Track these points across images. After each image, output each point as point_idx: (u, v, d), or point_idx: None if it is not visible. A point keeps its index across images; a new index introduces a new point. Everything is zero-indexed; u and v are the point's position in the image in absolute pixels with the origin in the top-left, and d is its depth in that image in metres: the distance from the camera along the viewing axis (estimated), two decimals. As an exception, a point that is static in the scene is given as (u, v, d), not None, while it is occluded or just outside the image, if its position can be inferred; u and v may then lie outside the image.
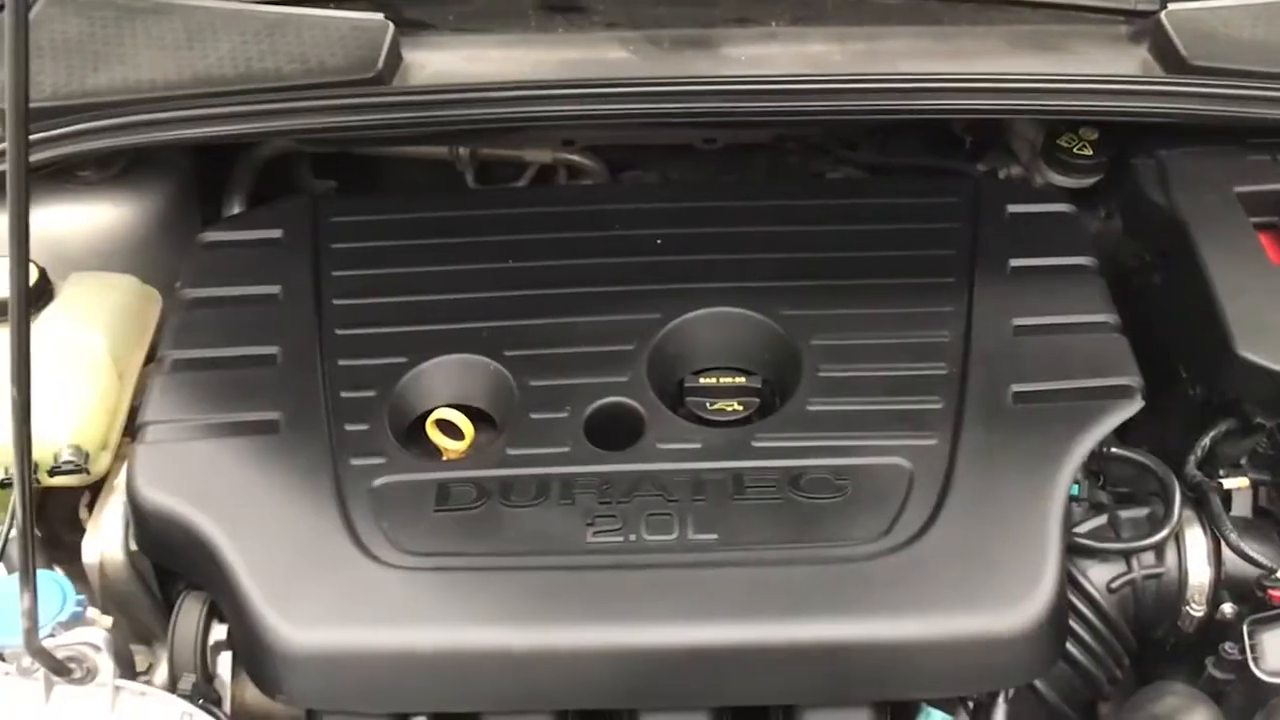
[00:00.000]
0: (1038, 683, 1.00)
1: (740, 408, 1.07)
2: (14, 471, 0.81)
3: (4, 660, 0.96)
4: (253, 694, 1.03)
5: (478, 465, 1.03)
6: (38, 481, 1.06)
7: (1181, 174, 1.19)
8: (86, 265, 1.23)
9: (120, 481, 1.08)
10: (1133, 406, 1.02)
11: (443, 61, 1.23)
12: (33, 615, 0.88)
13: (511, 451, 1.03)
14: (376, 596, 0.94)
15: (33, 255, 1.11)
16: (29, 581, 0.86)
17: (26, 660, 0.94)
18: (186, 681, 0.97)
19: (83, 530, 1.09)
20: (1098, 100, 1.19)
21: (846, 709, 0.94)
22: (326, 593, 0.95)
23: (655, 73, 1.21)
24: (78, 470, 1.06)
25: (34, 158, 1.18)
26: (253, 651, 0.95)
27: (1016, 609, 0.92)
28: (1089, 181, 1.29)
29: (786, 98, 1.20)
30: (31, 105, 1.16)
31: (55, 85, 1.21)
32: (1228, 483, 1.04)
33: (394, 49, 1.21)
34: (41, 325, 1.14)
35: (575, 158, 1.41)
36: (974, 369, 1.05)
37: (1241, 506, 1.06)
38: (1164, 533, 1.00)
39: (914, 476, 0.99)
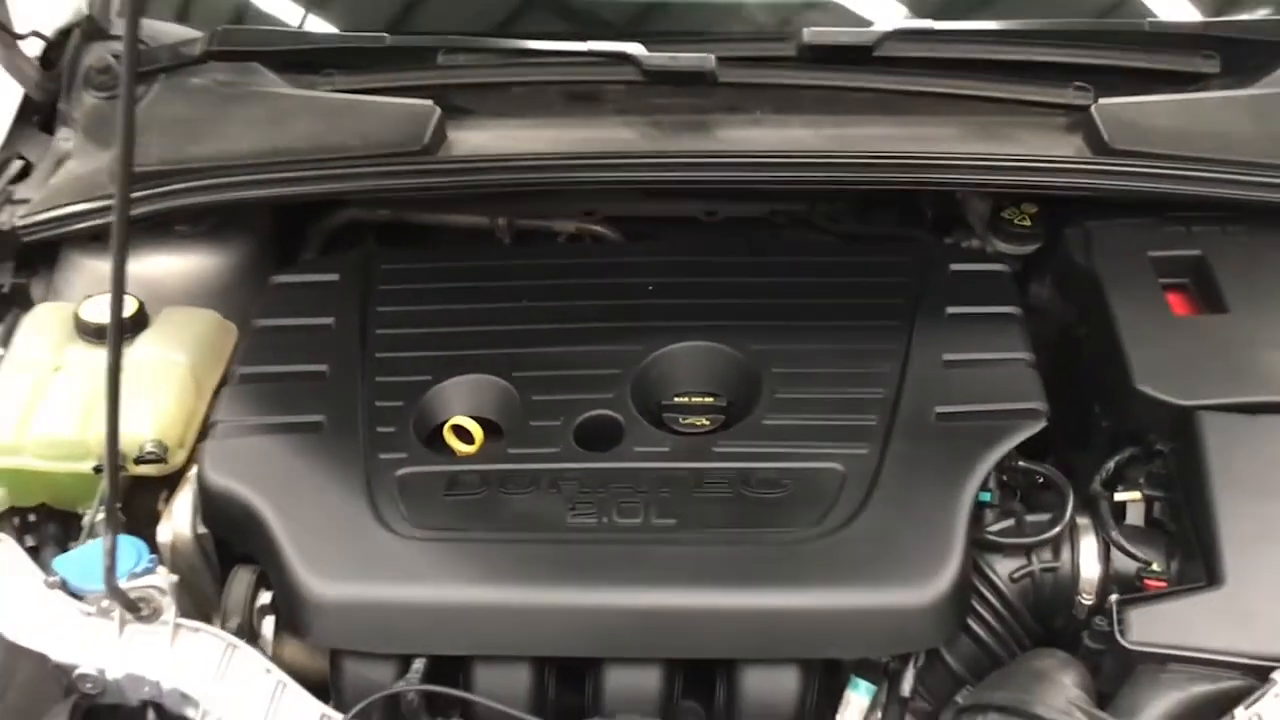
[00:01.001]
0: (947, 657, 1.16)
1: (707, 422, 1.26)
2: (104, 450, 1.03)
3: (86, 603, 1.18)
4: (290, 651, 1.23)
5: (483, 461, 1.23)
6: (124, 468, 1.29)
7: (1103, 241, 1.38)
8: (177, 303, 1.47)
9: (192, 475, 1.30)
10: (1036, 426, 1.20)
11: (480, 139, 1.46)
12: (112, 556, 1.09)
13: (512, 451, 1.23)
14: (391, 561, 1.15)
15: (133, 292, 1.37)
16: (112, 525, 1.08)
17: (105, 602, 1.16)
18: (233, 623, 1.18)
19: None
20: (1034, 177, 1.39)
21: (779, 666, 1.11)
22: (351, 556, 1.15)
23: (657, 149, 1.43)
24: (158, 460, 1.28)
25: (140, 211, 1.43)
26: (289, 602, 1.15)
27: (924, 586, 1.10)
28: (1029, 249, 1.48)
29: (769, 169, 1.41)
30: (139, 169, 1.42)
31: (161, 153, 1.46)
32: (1119, 495, 1.20)
33: (439, 128, 1.44)
34: (137, 346, 1.38)
35: (596, 228, 1.62)
36: (906, 394, 1.24)
37: (1137, 519, 1.22)
38: (1055, 530, 1.17)
39: (846, 478, 1.17)
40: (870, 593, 1.10)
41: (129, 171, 0.94)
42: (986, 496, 1.19)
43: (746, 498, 1.17)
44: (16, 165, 1.62)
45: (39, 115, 1.68)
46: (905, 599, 1.10)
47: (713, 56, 1.43)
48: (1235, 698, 1.03)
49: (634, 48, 1.44)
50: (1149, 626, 1.08)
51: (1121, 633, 1.08)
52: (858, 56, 1.44)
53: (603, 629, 1.11)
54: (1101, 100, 1.41)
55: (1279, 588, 1.09)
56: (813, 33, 1.45)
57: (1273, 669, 1.03)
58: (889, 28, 1.46)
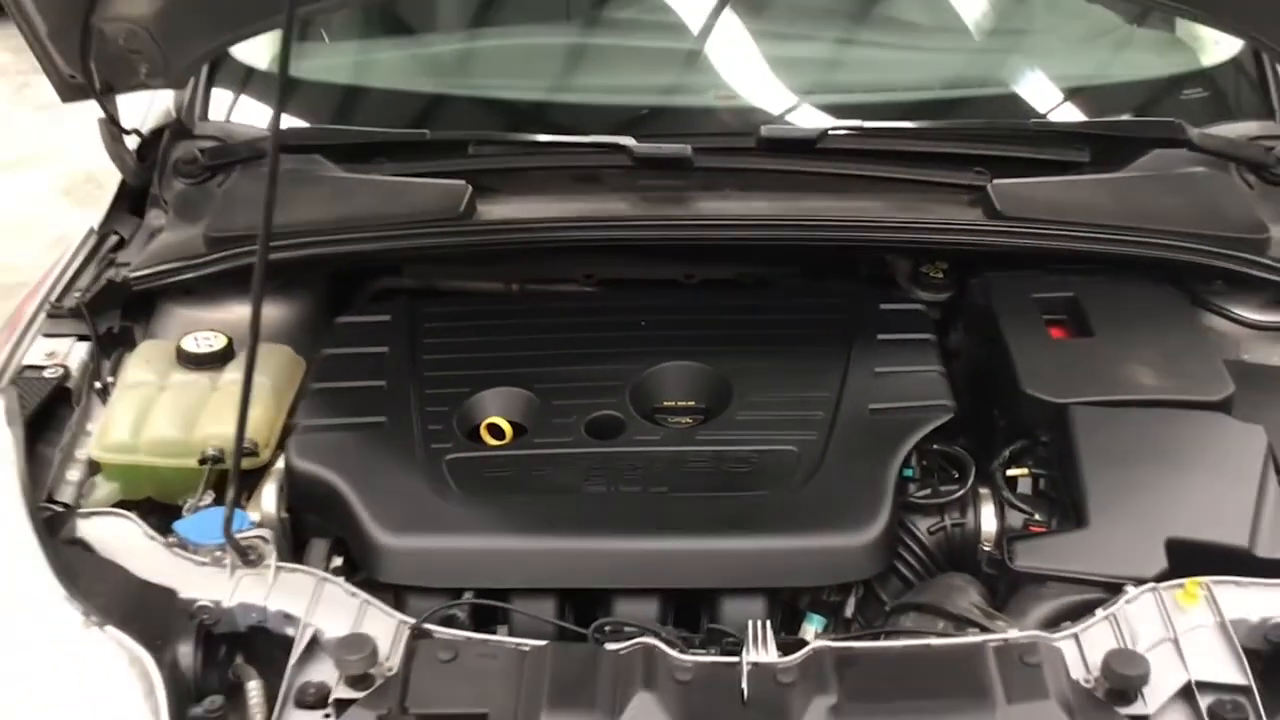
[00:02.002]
0: (879, 591, 1.48)
1: (690, 421, 1.60)
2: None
3: (200, 554, 1.48)
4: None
5: (513, 449, 1.56)
6: (224, 461, 1.60)
7: (998, 288, 1.75)
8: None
9: (276, 468, 1.61)
10: (945, 417, 1.54)
11: (504, 210, 1.81)
12: (233, 508, 1.41)
13: (536, 441, 1.57)
14: (444, 518, 1.46)
15: (224, 332, 1.70)
16: (234, 492, 1.40)
17: (218, 552, 1.46)
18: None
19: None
20: (943, 237, 1.76)
21: (750, 596, 1.43)
22: (411, 516, 1.47)
23: (645, 215, 1.79)
24: (251, 454, 1.60)
25: (231, 266, 1.78)
26: (364, 552, 1.46)
27: (859, 533, 1.42)
28: (943, 297, 1.83)
29: (733, 230, 1.78)
30: (228, 235, 1.77)
31: (246, 222, 1.81)
32: (1011, 471, 1.54)
33: (471, 201, 1.79)
34: (228, 371, 1.71)
35: (593, 290, 1.98)
36: (846, 395, 1.58)
37: (1026, 490, 1.56)
38: (960, 493, 1.50)
39: (800, 456, 1.51)
40: (819, 538, 1.43)
41: (268, 233, 1.30)
42: (909, 472, 1.53)
43: (722, 471, 1.50)
44: (113, 239, 1.97)
45: (130, 200, 2.04)
46: (846, 542, 1.43)
47: (689, 147, 1.80)
48: (1094, 605, 1.36)
49: (627, 140, 1.81)
50: (1031, 555, 1.42)
51: (1010, 559, 1.41)
52: (803, 148, 1.83)
53: (612, 566, 1.43)
54: (995, 180, 1.78)
55: (1126, 530, 1.42)
56: (768, 129, 1.84)
57: (1121, 585, 1.37)
58: (828, 126, 1.85)
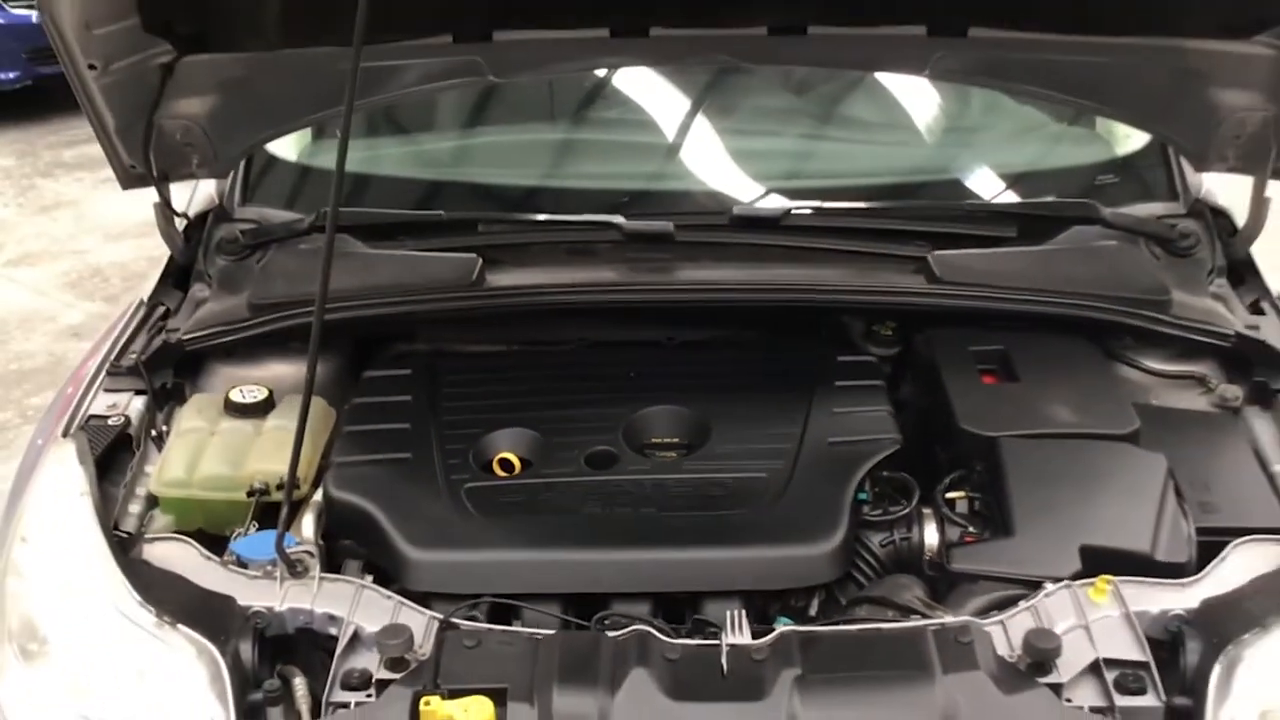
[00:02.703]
0: (839, 595, 1.72)
1: (674, 454, 1.86)
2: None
3: (253, 569, 1.71)
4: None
5: (522, 479, 1.81)
6: (269, 494, 1.84)
7: (939, 342, 2.02)
8: (291, 394, 2.05)
9: (313, 500, 1.84)
10: (893, 448, 1.80)
11: (510, 279, 2.07)
12: (284, 527, 1.65)
13: (541, 471, 1.81)
14: (463, 535, 1.70)
15: (262, 386, 1.95)
16: (287, 515, 1.63)
17: (269, 567, 1.69)
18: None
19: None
20: (890, 299, 2.03)
21: (727, 598, 1.66)
22: (435, 534, 1.70)
23: (631, 281, 2.06)
24: (294, 487, 1.84)
25: (268, 330, 2.03)
26: (394, 565, 1.69)
27: (821, 544, 1.66)
28: (893, 351, 2.09)
29: (709, 293, 2.04)
30: (268, 302, 2.02)
31: (283, 292, 2.06)
32: (950, 494, 1.79)
33: (481, 272, 2.06)
34: (270, 419, 1.95)
35: (588, 349, 2.23)
36: (808, 431, 1.84)
37: (964, 510, 1.81)
38: (905, 511, 1.75)
39: (769, 482, 1.76)
40: (786, 548, 1.67)
41: (324, 296, 1.55)
42: (864, 495, 1.78)
43: (702, 494, 1.75)
44: (161, 309, 2.22)
45: (175, 276, 2.30)
46: (809, 551, 1.66)
47: (671, 224, 2.08)
48: (1018, 599, 1.60)
49: (617, 218, 2.09)
50: (966, 559, 1.67)
51: (949, 562, 1.66)
52: (770, 225, 2.11)
53: (608, 574, 1.66)
54: (935, 252, 2.06)
55: (1046, 538, 1.66)
56: (739, 209, 2.12)
57: (1041, 582, 1.61)
58: (791, 206, 2.14)
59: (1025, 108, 2.48)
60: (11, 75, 7.27)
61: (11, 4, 7.20)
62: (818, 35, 2.00)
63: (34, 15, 7.22)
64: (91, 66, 1.88)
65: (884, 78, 2.41)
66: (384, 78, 2.04)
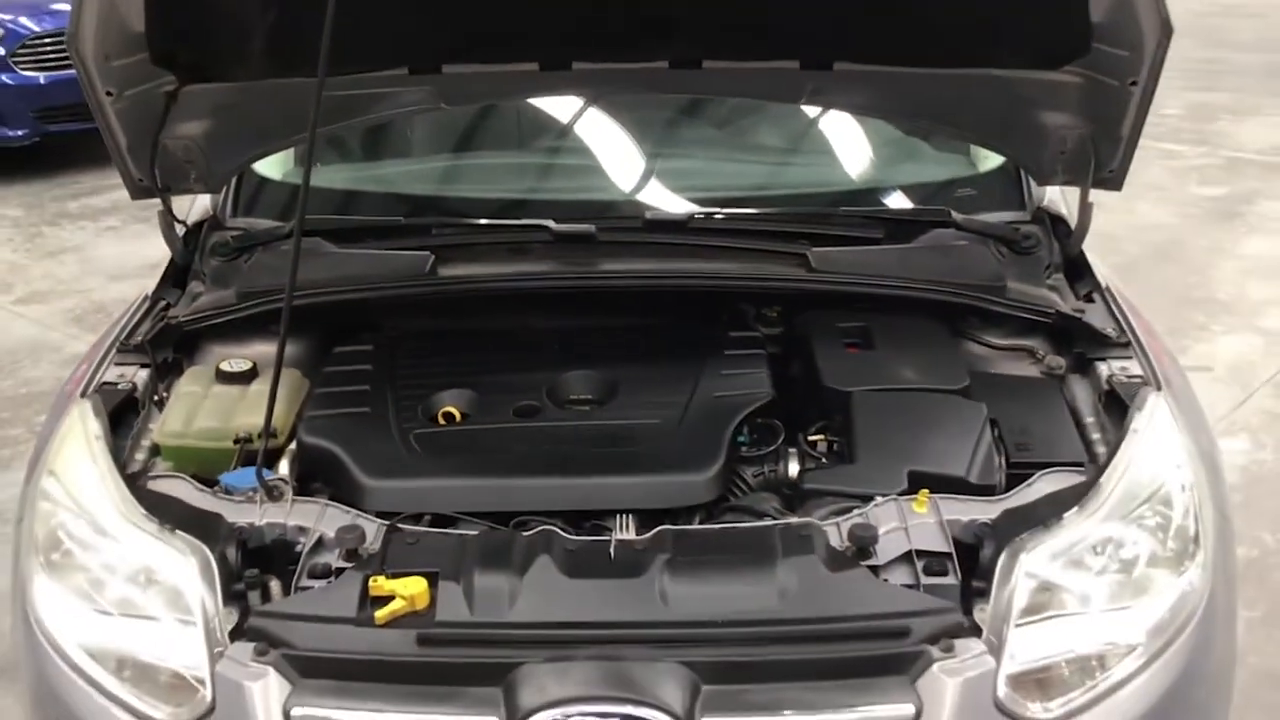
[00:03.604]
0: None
1: (588, 408, 2.25)
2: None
3: (238, 495, 2.08)
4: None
5: (461, 426, 2.20)
6: (253, 441, 2.21)
7: (814, 320, 2.42)
8: (271, 368, 2.44)
9: (288, 450, 2.22)
10: (765, 400, 2.19)
11: (458, 270, 2.45)
12: (263, 457, 2.04)
13: (478, 420, 2.20)
14: (408, 467, 2.08)
15: (247, 360, 2.34)
16: (264, 439, 2.03)
17: (251, 492, 2.07)
18: (322, 501, 2.09)
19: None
20: (775, 284, 2.43)
21: (627, 516, 2.03)
22: (387, 466, 2.09)
23: (560, 271, 2.46)
24: (272, 436, 2.21)
25: (253, 313, 2.42)
26: (353, 492, 2.06)
27: (703, 472, 2.04)
28: (777, 330, 2.48)
29: (624, 279, 2.42)
30: (253, 291, 2.42)
31: (265, 283, 2.45)
32: (812, 436, 2.19)
33: (434, 266, 2.45)
34: (252, 386, 2.34)
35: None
36: (698, 389, 2.22)
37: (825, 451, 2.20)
38: (773, 448, 2.14)
39: (663, 426, 2.14)
40: (674, 475, 2.05)
41: (293, 280, 1.95)
42: (743, 438, 2.17)
43: (608, 435, 2.14)
44: (163, 302, 2.62)
45: (174, 276, 2.70)
46: (691, 478, 2.05)
47: (594, 226, 2.49)
48: (853, 508, 1.99)
49: (548, 222, 2.50)
50: (815, 479, 2.06)
51: (801, 483, 2.05)
52: (677, 227, 2.52)
53: (529, 497, 2.04)
54: (813, 249, 2.47)
55: (881, 465, 2.05)
56: (651, 213, 2.54)
57: (873, 496, 2.00)
58: (694, 212, 2.55)
59: (898, 133, 2.91)
60: (20, 132, 7.69)
61: (21, 66, 7.63)
62: (710, 69, 2.42)
63: (41, 77, 7.71)
64: (109, 93, 2.29)
65: (778, 108, 2.84)
66: (351, 105, 2.45)
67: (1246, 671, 3.05)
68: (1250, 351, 4.95)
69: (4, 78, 7.62)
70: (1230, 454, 4.07)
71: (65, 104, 7.74)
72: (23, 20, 7.74)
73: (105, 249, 6.45)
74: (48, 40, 7.72)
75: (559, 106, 2.84)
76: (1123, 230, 6.15)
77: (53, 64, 7.72)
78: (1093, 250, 2.63)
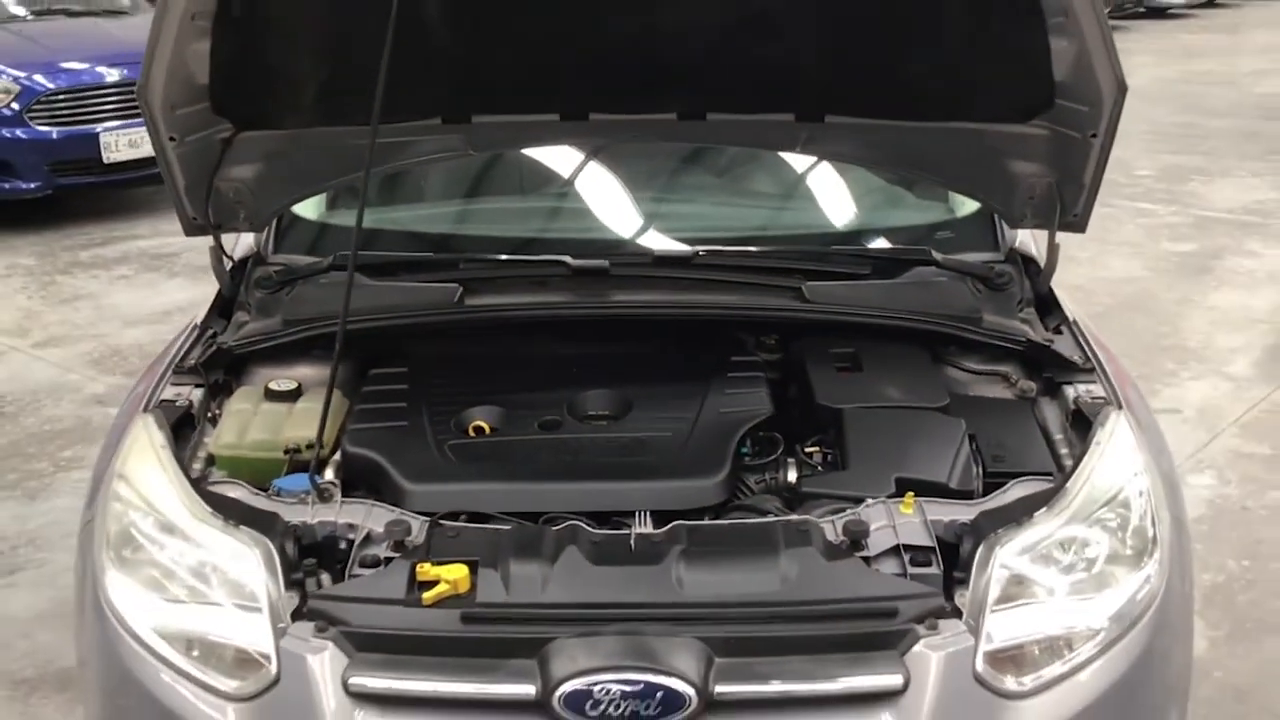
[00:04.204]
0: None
1: (605, 422, 2.48)
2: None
3: (291, 497, 2.30)
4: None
5: (490, 439, 2.43)
6: (301, 453, 2.44)
7: (808, 347, 2.67)
8: (315, 389, 2.67)
9: (333, 460, 2.44)
10: (765, 415, 2.42)
11: (484, 300, 2.70)
12: (316, 463, 2.26)
13: (506, 433, 2.43)
14: (445, 473, 2.31)
15: (292, 380, 2.58)
16: (318, 446, 2.26)
17: (305, 495, 2.29)
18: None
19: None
20: (774, 315, 2.67)
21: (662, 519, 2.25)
22: (425, 472, 2.31)
23: (576, 301, 2.69)
24: (313, 447, 2.45)
25: (297, 338, 2.65)
26: (395, 495, 2.29)
27: (710, 478, 2.27)
28: (775, 357, 2.72)
29: (635, 309, 2.67)
30: (298, 319, 2.66)
31: (308, 312, 2.68)
32: (808, 449, 2.43)
33: (462, 297, 2.69)
34: (298, 404, 2.57)
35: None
36: (705, 406, 2.46)
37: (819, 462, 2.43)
38: (773, 458, 2.38)
39: (673, 438, 2.38)
40: (683, 481, 2.29)
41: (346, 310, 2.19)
42: (745, 450, 2.41)
43: (624, 446, 2.37)
44: (211, 330, 2.85)
45: (220, 308, 2.93)
46: (700, 483, 2.28)
47: (608, 262, 2.74)
48: (846, 509, 2.22)
49: (566, 258, 2.75)
50: (812, 484, 2.30)
51: (800, 486, 2.29)
52: (683, 263, 2.77)
53: (552, 499, 2.26)
54: (807, 283, 2.72)
55: (870, 471, 2.28)
56: (660, 251, 2.79)
57: (863, 499, 2.23)
58: (699, 249, 2.80)
59: (890, 182, 3.18)
60: (33, 185, 7.94)
61: (35, 121, 7.89)
62: (714, 120, 2.69)
63: (54, 132, 7.97)
64: (172, 138, 2.54)
65: (773, 158, 3.10)
66: (390, 151, 2.71)
67: (1212, 686, 3.29)
68: (1217, 395, 5.21)
69: (19, 132, 7.88)
70: (1197, 489, 4.33)
71: (76, 158, 8.06)
72: (37, 78, 8.01)
73: (118, 296, 6.68)
74: (61, 97, 8.01)
75: (572, 156, 3.11)
76: (1097, 283, 6.44)
77: (65, 120, 8.01)
78: (1068, 300, 2.89)
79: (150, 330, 6.05)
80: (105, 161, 8.05)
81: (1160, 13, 20.23)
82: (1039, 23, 2.35)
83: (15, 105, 7.88)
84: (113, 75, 8.17)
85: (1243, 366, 5.54)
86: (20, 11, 8.91)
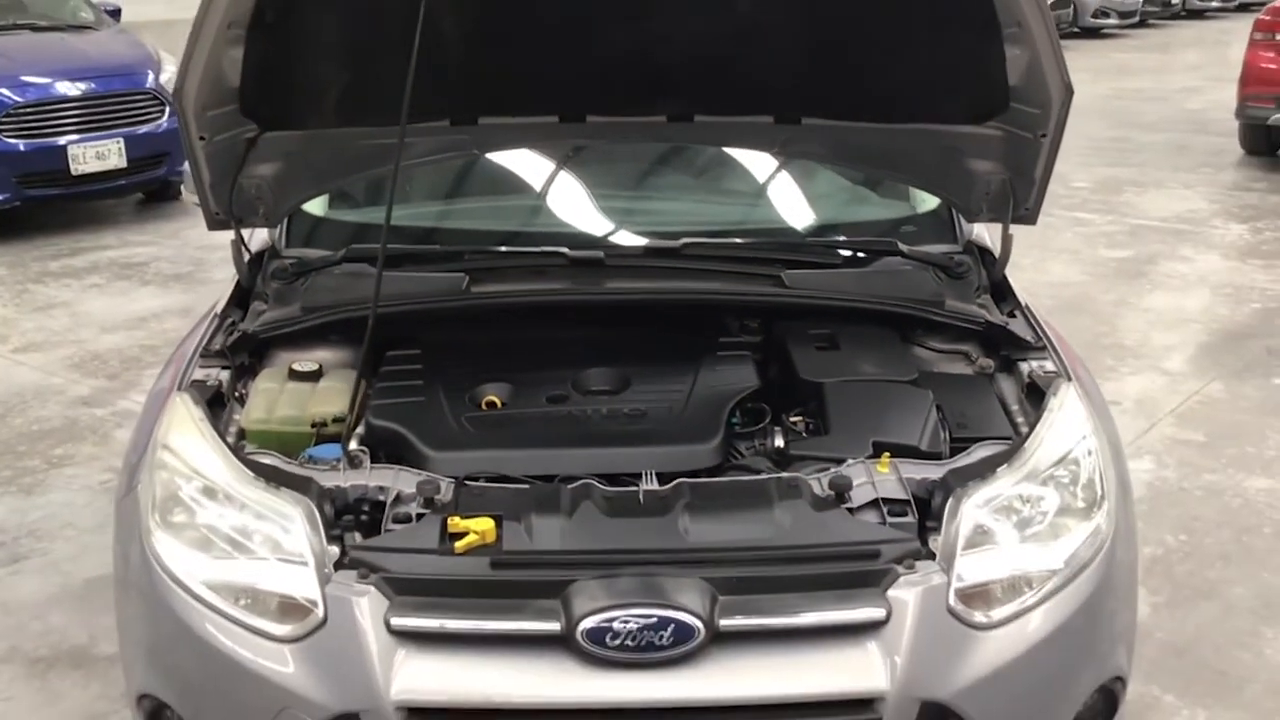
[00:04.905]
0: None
1: (607, 396, 2.72)
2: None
3: (322, 464, 2.51)
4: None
5: (502, 412, 2.66)
6: (327, 425, 2.65)
7: (789, 328, 2.92)
8: (334, 371, 2.88)
9: (356, 431, 2.66)
10: (753, 388, 2.67)
11: (489, 288, 2.94)
12: (347, 441, 2.48)
13: (516, 406, 2.66)
14: (463, 441, 2.54)
15: (314, 363, 2.79)
16: (352, 412, 2.48)
17: (335, 461, 2.50)
18: (394, 468, 2.53)
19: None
20: (755, 299, 2.92)
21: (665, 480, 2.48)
22: (445, 440, 2.53)
23: (574, 289, 2.94)
24: (342, 420, 2.65)
25: (316, 324, 2.86)
26: (418, 462, 2.51)
27: (704, 444, 2.52)
28: (758, 339, 2.97)
29: (628, 295, 2.90)
30: (316, 306, 2.89)
31: (324, 301, 2.89)
32: (792, 418, 2.68)
33: (468, 285, 2.91)
34: (320, 383, 2.79)
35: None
36: (698, 380, 2.70)
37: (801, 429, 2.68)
38: (759, 427, 2.62)
39: (670, 409, 2.62)
40: (680, 446, 2.53)
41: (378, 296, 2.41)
42: (735, 420, 2.65)
43: (626, 415, 2.61)
44: (230, 319, 3.05)
45: (237, 298, 3.13)
46: (695, 448, 2.52)
47: (602, 253, 2.98)
48: (829, 468, 2.47)
49: (564, 249, 2.98)
50: (798, 447, 2.55)
51: (787, 450, 2.54)
52: (672, 253, 3.01)
53: (561, 462, 2.49)
54: (786, 271, 2.97)
55: (850, 436, 2.53)
56: (651, 242, 3.03)
57: (844, 459, 2.48)
58: (686, 240, 3.04)
59: (856, 183, 3.45)
60: (2, 197, 8.05)
61: (4, 134, 8.00)
62: (700, 122, 2.94)
63: (22, 144, 8.08)
64: (201, 138, 2.74)
65: (754, 163, 3.37)
66: (403, 151, 2.92)
67: (1154, 646, 3.57)
68: (1154, 389, 5.53)
69: (-13, 144, 7.99)
70: (1137, 473, 4.63)
71: (44, 170, 8.17)
72: (4, 91, 8.11)
73: (92, 304, 6.81)
74: (28, 110, 8.12)
75: (577, 163, 3.36)
76: (1039, 287, 6.76)
77: (33, 133, 8.12)
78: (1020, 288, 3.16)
79: (128, 335, 6.20)
80: (72, 173, 8.16)
81: (1094, 33, 20.80)
82: (995, 32, 2.62)
83: (-16, 118, 7.99)
84: (79, 88, 8.30)
85: (1177, 362, 5.88)
86: (-15, 27, 9.00)
